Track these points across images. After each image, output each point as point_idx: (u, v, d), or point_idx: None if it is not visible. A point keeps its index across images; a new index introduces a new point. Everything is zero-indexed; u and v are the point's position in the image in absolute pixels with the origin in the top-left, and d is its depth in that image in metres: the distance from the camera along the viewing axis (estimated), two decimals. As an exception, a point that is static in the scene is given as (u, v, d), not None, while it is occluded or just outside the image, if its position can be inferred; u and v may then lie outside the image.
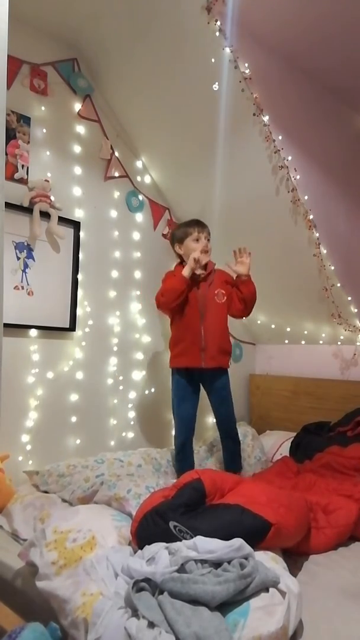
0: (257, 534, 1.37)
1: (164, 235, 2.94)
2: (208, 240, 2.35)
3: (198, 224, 2.35)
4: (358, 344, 2.97)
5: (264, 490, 1.62)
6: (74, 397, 2.42)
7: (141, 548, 1.36)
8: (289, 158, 2.41)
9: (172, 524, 1.38)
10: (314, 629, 1.21)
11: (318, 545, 1.64)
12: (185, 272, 2.24)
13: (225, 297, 2.35)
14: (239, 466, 2.42)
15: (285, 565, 1.37)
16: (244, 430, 2.89)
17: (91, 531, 1.42)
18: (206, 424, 3.05)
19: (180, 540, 1.33)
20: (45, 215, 2.26)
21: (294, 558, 1.57)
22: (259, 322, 3.40)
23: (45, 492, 1.97)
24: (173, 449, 2.43)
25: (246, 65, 2.18)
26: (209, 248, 2.34)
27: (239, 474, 2.30)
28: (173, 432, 2.94)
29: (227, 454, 2.41)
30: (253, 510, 1.42)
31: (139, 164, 2.81)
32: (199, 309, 2.29)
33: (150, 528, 1.41)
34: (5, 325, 2.07)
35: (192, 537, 1.32)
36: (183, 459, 2.29)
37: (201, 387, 2.39)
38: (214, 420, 2.47)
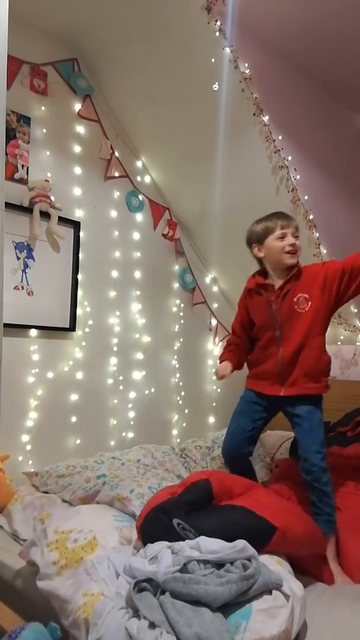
0: (261, 537, 1.35)
1: (164, 235, 2.94)
2: (296, 237, 1.84)
3: (282, 217, 1.85)
4: (358, 344, 2.97)
5: (274, 498, 1.59)
6: (74, 397, 2.42)
7: (145, 544, 1.36)
8: (289, 158, 2.41)
9: (175, 521, 1.38)
10: (317, 633, 1.19)
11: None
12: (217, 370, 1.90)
13: (310, 303, 1.80)
14: (327, 526, 1.67)
15: (290, 569, 1.35)
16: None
17: (92, 531, 1.41)
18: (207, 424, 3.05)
19: (184, 539, 1.32)
20: (45, 215, 2.26)
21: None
22: (258, 322, 3.39)
23: (45, 492, 1.97)
24: (170, 446, 2.41)
25: (246, 65, 2.18)
26: (297, 248, 1.83)
27: (330, 536, 1.67)
28: (174, 432, 2.95)
29: (310, 504, 1.76)
30: (257, 513, 1.41)
31: (139, 164, 2.81)
32: (274, 328, 1.85)
33: (154, 524, 1.41)
34: (5, 325, 2.06)
35: (195, 536, 1.31)
36: (235, 472, 1.89)
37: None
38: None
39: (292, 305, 1.82)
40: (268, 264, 1.89)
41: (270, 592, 1.15)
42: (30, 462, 2.21)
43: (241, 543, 1.24)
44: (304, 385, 1.82)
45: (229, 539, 1.28)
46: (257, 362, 1.96)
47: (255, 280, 1.92)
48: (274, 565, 1.29)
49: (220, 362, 2.00)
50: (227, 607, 1.11)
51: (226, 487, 1.59)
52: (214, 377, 2.01)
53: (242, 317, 1.99)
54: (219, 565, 1.20)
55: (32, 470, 2.12)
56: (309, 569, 1.53)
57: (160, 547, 1.29)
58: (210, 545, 1.24)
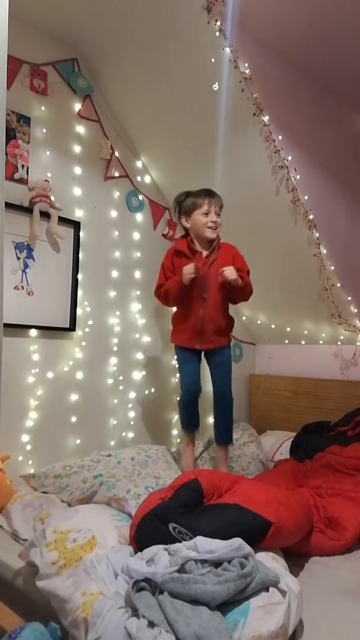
0: (257, 534, 1.37)
1: (164, 235, 2.95)
2: (219, 214, 2.16)
3: (209, 194, 2.15)
4: (358, 344, 2.97)
5: (262, 490, 1.61)
6: (74, 397, 2.42)
7: (141, 552, 1.36)
8: (289, 158, 2.41)
9: (171, 525, 1.38)
10: (313, 628, 1.21)
11: (322, 550, 1.63)
12: (184, 280, 2.09)
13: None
14: (229, 438, 2.29)
15: (285, 564, 1.37)
16: (244, 428, 2.89)
17: (91, 531, 1.41)
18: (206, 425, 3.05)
19: (180, 542, 1.32)
20: (45, 215, 2.26)
21: (295, 558, 1.56)
22: (259, 322, 3.40)
23: (44, 492, 1.97)
24: (166, 447, 2.42)
25: (246, 65, 2.18)
26: (218, 224, 2.16)
27: (229, 446, 2.29)
28: (174, 432, 2.95)
29: (218, 425, 2.27)
30: (252, 510, 1.42)
31: (139, 164, 2.82)
32: (199, 290, 2.14)
33: (149, 531, 1.40)
34: (5, 325, 2.07)
35: (191, 538, 1.31)
36: (191, 414, 2.23)
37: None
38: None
39: (216, 275, 2.11)
40: (193, 234, 2.18)
41: (267, 589, 1.15)
42: (30, 462, 2.21)
43: (237, 541, 1.25)
44: (217, 340, 2.20)
45: (226, 538, 1.28)
46: (181, 319, 2.24)
47: (187, 244, 2.18)
48: (270, 562, 1.29)
49: (175, 286, 2.14)
50: (225, 605, 1.12)
51: (215, 484, 1.60)
52: (188, 275, 2.09)
53: (168, 275, 2.22)
54: (216, 564, 1.20)
55: (30, 472, 2.11)
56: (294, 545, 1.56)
57: (157, 550, 1.29)
58: (207, 545, 1.24)
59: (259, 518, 1.39)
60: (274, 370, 3.43)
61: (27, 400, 2.23)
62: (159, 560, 1.24)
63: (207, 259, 2.16)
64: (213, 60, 2.15)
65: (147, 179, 2.86)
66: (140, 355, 2.78)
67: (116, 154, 2.66)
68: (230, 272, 2.05)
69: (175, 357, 2.35)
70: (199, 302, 2.15)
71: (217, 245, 2.19)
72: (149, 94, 2.46)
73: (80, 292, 2.45)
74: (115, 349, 2.64)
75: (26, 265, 2.23)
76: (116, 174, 2.67)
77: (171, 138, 2.63)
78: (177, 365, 2.37)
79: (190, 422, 2.27)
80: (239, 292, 2.17)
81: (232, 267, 2.08)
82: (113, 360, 2.63)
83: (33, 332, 2.26)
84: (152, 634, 1.02)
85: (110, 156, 2.63)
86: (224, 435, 2.28)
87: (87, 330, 2.50)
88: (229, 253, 2.19)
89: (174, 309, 2.34)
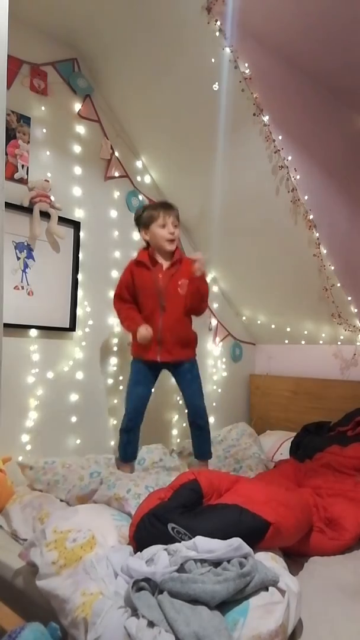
0: (256, 534, 1.37)
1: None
2: (176, 226, 2.19)
3: (164, 207, 2.19)
4: (358, 344, 2.97)
5: (262, 489, 1.61)
6: (74, 397, 2.42)
7: (140, 552, 1.36)
8: (289, 158, 2.41)
9: (170, 526, 1.38)
10: (313, 628, 1.21)
11: (322, 550, 1.63)
12: (138, 338, 2.12)
13: (186, 289, 2.18)
14: (207, 454, 2.31)
15: (285, 564, 1.37)
16: (244, 429, 2.89)
17: (91, 531, 1.42)
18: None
19: (179, 542, 1.32)
20: (45, 215, 2.26)
21: (294, 557, 1.56)
22: (259, 322, 3.40)
23: (40, 490, 1.96)
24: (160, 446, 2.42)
25: (246, 65, 2.18)
26: (176, 235, 2.18)
27: (206, 462, 2.32)
28: (174, 432, 2.95)
29: (195, 441, 2.31)
30: (251, 510, 1.42)
31: (139, 164, 2.82)
32: (158, 299, 2.17)
33: (148, 531, 1.41)
34: (5, 325, 2.07)
35: (190, 538, 1.31)
36: (127, 442, 2.17)
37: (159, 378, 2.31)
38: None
39: (176, 287, 2.17)
40: (153, 246, 2.22)
41: (266, 589, 1.15)
42: (20, 458, 2.20)
43: (237, 541, 1.25)
44: (178, 352, 2.21)
45: (225, 538, 1.29)
46: None
47: (148, 255, 2.22)
48: (269, 562, 1.30)
49: (135, 328, 2.15)
50: (224, 605, 1.12)
51: (214, 484, 1.60)
52: (144, 341, 2.13)
53: (129, 285, 2.24)
54: (215, 564, 1.21)
55: (27, 464, 2.10)
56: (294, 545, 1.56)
57: (157, 550, 1.29)
58: (207, 545, 1.24)
59: (258, 518, 1.39)
60: (274, 370, 3.43)
61: (27, 400, 2.23)
62: (159, 560, 1.24)
63: (167, 271, 2.20)
64: (213, 60, 2.15)
65: (147, 179, 2.86)
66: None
67: (116, 154, 2.66)
68: (199, 265, 2.09)
69: (130, 374, 2.27)
70: (158, 313, 2.18)
71: (179, 259, 2.23)
72: (149, 94, 2.46)
73: (80, 292, 2.46)
74: (115, 349, 2.64)
75: (26, 265, 2.23)
76: (116, 174, 2.67)
77: (171, 138, 2.63)
78: (128, 383, 2.29)
79: (128, 455, 2.19)
80: (195, 300, 2.17)
81: (186, 280, 2.15)
82: (113, 360, 2.63)
83: (33, 332, 2.26)
84: (152, 634, 1.02)
85: (110, 156, 2.63)
86: (202, 451, 2.31)
87: (87, 330, 2.50)
88: (189, 266, 2.17)
89: None
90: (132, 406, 2.21)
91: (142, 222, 2.22)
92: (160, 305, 2.17)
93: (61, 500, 1.85)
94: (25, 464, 2.04)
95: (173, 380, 2.94)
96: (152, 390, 2.30)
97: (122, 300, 2.27)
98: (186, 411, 2.31)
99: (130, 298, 2.25)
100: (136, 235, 2.78)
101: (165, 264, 2.21)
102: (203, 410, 2.28)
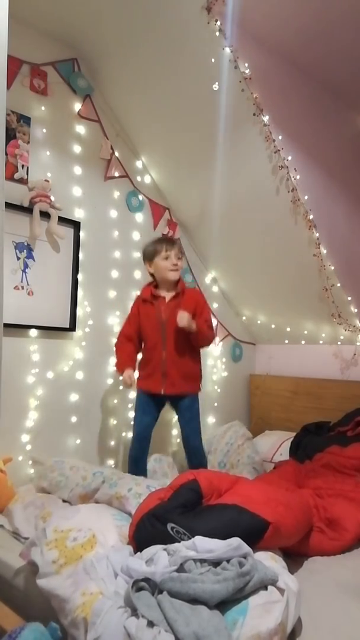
0: (256, 533, 1.37)
1: (164, 235, 2.94)
2: (179, 258, 2.29)
3: (167, 242, 2.30)
4: (358, 344, 2.97)
5: (261, 489, 1.62)
6: (74, 397, 2.42)
7: (140, 552, 1.36)
8: (289, 158, 2.41)
9: (169, 525, 1.38)
10: (313, 627, 1.21)
11: (322, 550, 1.63)
12: (123, 384, 2.26)
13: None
14: None
15: (284, 564, 1.37)
16: (236, 430, 2.88)
17: (91, 530, 1.42)
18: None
19: (179, 542, 1.33)
20: (45, 215, 2.26)
21: (294, 557, 1.56)
22: (259, 322, 3.40)
23: (43, 489, 1.97)
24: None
25: (246, 65, 2.18)
26: (180, 267, 2.29)
27: None
28: (174, 432, 2.95)
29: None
30: (251, 510, 1.42)
31: (139, 164, 2.82)
32: (161, 333, 2.24)
33: (148, 531, 1.41)
34: (5, 325, 2.07)
35: (190, 538, 1.32)
36: (136, 468, 2.24)
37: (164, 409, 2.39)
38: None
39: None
40: (157, 278, 2.31)
41: (265, 588, 1.16)
42: (30, 462, 2.21)
43: (236, 541, 1.25)
44: (183, 385, 2.26)
45: (224, 538, 1.29)
46: (145, 364, 2.33)
47: (150, 291, 2.31)
48: (268, 561, 1.30)
49: (121, 370, 2.28)
50: (224, 604, 1.12)
51: (214, 484, 1.60)
52: (124, 386, 2.32)
53: (136, 323, 2.33)
54: (215, 563, 1.21)
55: (40, 461, 2.12)
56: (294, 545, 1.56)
57: (156, 550, 1.29)
58: (206, 545, 1.25)
59: (257, 518, 1.39)
60: (274, 370, 3.43)
61: (27, 400, 2.23)
62: (159, 560, 1.24)
63: (169, 303, 2.27)
64: (213, 60, 2.15)
65: (147, 179, 2.86)
66: (140, 355, 2.77)
67: (116, 154, 2.66)
68: (182, 319, 2.13)
69: (135, 404, 2.36)
70: (161, 346, 2.25)
71: (182, 290, 2.31)
72: (149, 94, 2.46)
73: (80, 292, 2.46)
74: (115, 349, 2.63)
75: (26, 265, 2.23)
76: (116, 174, 2.67)
77: (171, 138, 2.63)
78: (134, 413, 2.36)
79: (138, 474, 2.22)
80: (194, 337, 2.23)
81: (185, 313, 2.15)
82: (113, 360, 2.62)
83: (33, 332, 2.26)
84: (152, 634, 1.02)
85: (110, 156, 2.63)
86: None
87: (87, 330, 2.50)
88: (192, 298, 2.30)
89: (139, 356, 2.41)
90: (139, 440, 2.28)
91: (147, 256, 2.32)
92: (163, 338, 2.24)
93: (64, 501, 1.86)
94: (36, 459, 2.07)
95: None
96: (156, 421, 2.36)
97: (125, 337, 2.35)
98: (183, 444, 2.36)
99: (135, 335, 2.34)
100: (136, 235, 2.78)
101: (167, 296, 2.29)
102: (199, 451, 2.34)
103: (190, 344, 2.26)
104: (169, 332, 2.23)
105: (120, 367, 2.28)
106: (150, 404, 2.30)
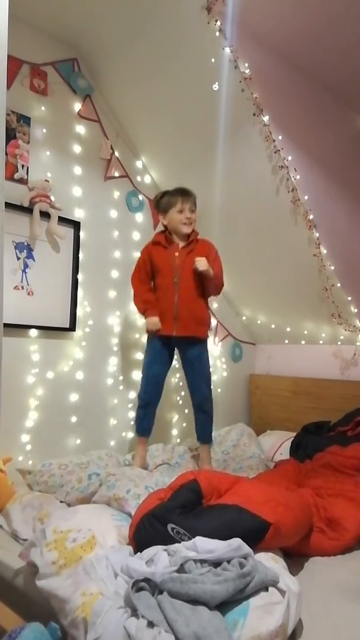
0: (256, 534, 1.36)
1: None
2: (193, 211, 2.30)
3: (183, 194, 2.29)
4: (358, 344, 2.97)
5: (261, 490, 1.61)
6: (74, 397, 2.42)
7: (140, 552, 1.36)
8: (289, 158, 2.41)
9: (170, 526, 1.38)
10: (313, 628, 1.21)
11: (322, 550, 1.63)
12: (147, 326, 2.27)
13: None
14: (209, 438, 2.40)
15: (285, 564, 1.37)
16: (242, 428, 2.89)
17: (91, 531, 1.41)
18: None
19: (179, 542, 1.32)
20: (45, 215, 2.26)
21: (295, 557, 1.56)
22: (259, 322, 3.40)
23: (40, 492, 1.96)
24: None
25: (246, 65, 2.18)
26: (193, 220, 2.30)
27: (209, 445, 2.41)
28: (174, 432, 2.95)
29: (198, 425, 2.39)
30: (251, 510, 1.41)
31: (139, 164, 2.81)
32: (174, 276, 2.26)
33: (148, 532, 1.41)
34: (5, 325, 2.07)
35: (190, 539, 1.31)
36: (144, 417, 2.31)
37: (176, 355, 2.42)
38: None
39: (191, 265, 2.23)
40: (170, 230, 2.32)
41: (266, 589, 1.15)
42: (30, 462, 2.21)
43: (236, 542, 1.25)
44: (194, 328, 2.28)
45: (225, 539, 1.28)
46: (156, 306, 2.31)
47: (165, 236, 2.33)
48: (269, 562, 1.29)
49: (147, 317, 2.28)
50: (224, 605, 1.12)
51: (214, 484, 1.60)
52: (150, 329, 2.28)
53: (146, 265, 2.34)
54: (215, 564, 1.20)
55: (28, 468, 2.10)
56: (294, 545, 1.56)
57: (156, 550, 1.29)
58: (207, 545, 1.24)
59: (258, 518, 1.39)
60: (274, 370, 3.43)
61: (27, 400, 2.23)
62: (159, 560, 1.24)
63: (183, 249, 2.30)
64: (213, 60, 2.14)
65: (147, 179, 2.86)
66: (140, 355, 2.78)
67: (116, 154, 2.66)
68: (201, 263, 2.19)
69: (145, 351, 2.38)
70: (173, 289, 2.26)
71: (195, 239, 2.34)
72: (149, 94, 2.46)
73: (80, 292, 2.46)
74: (115, 349, 2.64)
75: (26, 265, 2.23)
76: (116, 174, 2.67)
77: (171, 138, 2.63)
78: (143, 360, 2.39)
79: (142, 428, 2.33)
80: (209, 283, 2.29)
81: (204, 258, 2.22)
82: (113, 360, 2.63)
83: (33, 332, 2.26)
84: (152, 634, 1.02)
85: (110, 156, 2.63)
86: (204, 435, 2.39)
87: (87, 330, 2.50)
88: (205, 247, 2.33)
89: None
90: (147, 384, 2.32)
91: (161, 207, 2.33)
92: (176, 282, 2.25)
93: (61, 502, 1.85)
94: (24, 469, 2.03)
95: (173, 380, 2.95)
96: (168, 369, 2.38)
97: (140, 280, 2.35)
98: (191, 395, 2.38)
99: (147, 278, 2.35)
100: (136, 235, 2.78)
101: (181, 243, 2.31)
102: (209, 397, 2.36)
103: (201, 289, 2.29)
104: (182, 276, 2.24)
105: (144, 311, 2.28)
106: (161, 352, 2.31)
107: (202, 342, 2.34)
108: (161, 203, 2.33)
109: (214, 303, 3.22)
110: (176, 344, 2.34)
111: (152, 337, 2.32)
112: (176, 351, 2.39)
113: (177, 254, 2.28)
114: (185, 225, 2.28)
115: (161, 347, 2.31)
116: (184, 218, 2.27)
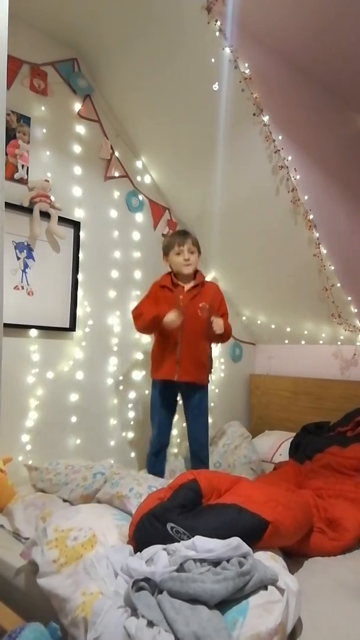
0: (255, 533, 1.37)
1: (164, 235, 2.94)
2: (192, 252, 2.33)
3: (180, 236, 2.35)
4: (358, 344, 2.97)
5: (261, 490, 1.62)
6: (74, 397, 2.42)
7: (140, 551, 1.36)
8: (289, 158, 2.41)
9: (169, 525, 1.38)
10: (313, 627, 1.21)
11: (323, 550, 1.63)
12: (165, 324, 2.19)
13: (207, 313, 2.28)
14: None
15: (284, 564, 1.38)
16: (234, 430, 2.88)
17: (92, 529, 1.42)
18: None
19: (178, 542, 1.33)
20: (45, 215, 2.26)
21: (295, 557, 1.56)
22: (259, 322, 3.40)
23: (42, 490, 1.97)
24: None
25: (246, 65, 2.18)
26: (192, 261, 2.32)
27: None
28: (174, 432, 2.95)
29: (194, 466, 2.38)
30: (250, 509, 1.42)
31: (139, 164, 2.82)
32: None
33: (148, 531, 1.41)
34: (5, 325, 2.07)
35: (189, 538, 1.32)
36: (156, 463, 2.34)
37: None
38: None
39: (196, 308, 2.27)
40: (174, 271, 2.38)
41: (265, 588, 1.16)
42: (30, 462, 2.20)
43: (236, 541, 1.25)
44: (196, 373, 2.29)
45: (224, 538, 1.29)
46: (159, 350, 2.34)
47: (170, 279, 2.36)
48: (268, 561, 1.30)
49: (161, 315, 2.20)
50: (224, 604, 1.12)
51: (213, 484, 1.61)
52: (173, 322, 2.18)
53: (152, 304, 2.31)
54: (215, 563, 1.21)
55: (34, 465, 2.11)
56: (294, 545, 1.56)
57: (156, 550, 1.29)
58: (206, 544, 1.25)
59: (257, 517, 1.39)
60: (274, 370, 3.43)
61: (27, 400, 2.23)
62: (158, 559, 1.24)
63: (188, 292, 2.32)
64: (213, 60, 2.14)
65: (147, 179, 2.86)
66: (140, 355, 2.78)
67: (116, 154, 2.66)
68: (218, 325, 2.22)
69: (151, 395, 2.43)
70: (177, 332, 2.25)
71: (201, 282, 2.37)
72: (149, 94, 2.46)
73: (80, 292, 2.46)
74: (115, 349, 2.64)
75: (26, 265, 2.23)
76: (116, 174, 2.67)
77: (171, 138, 2.63)
78: (150, 407, 2.43)
79: (158, 474, 2.29)
80: (217, 338, 2.32)
81: (220, 319, 2.25)
82: (113, 360, 2.63)
83: (33, 332, 2.26)
84: (151, 634, 1.02)
85: (110, 156, 2.63)
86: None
87: (87, 330, 2.50)
88: (210, 291, 2.37)
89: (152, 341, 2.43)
90: (160, 432, 2.36)
91: (164, 250, 2.41)
92: (180, 326, 2.23)
93: (64, 500, 1.85)
94: (32, 466, 2.05)
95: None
96: (175, 412, 2.43)
97: (148, 304, 2.34)
98: (189, 441, 2.40)
99: (155, 305, 2.33)
100: (136, 235, 2.79)
101: (186, 286, 2.35)
102: (206, 445, 2.40)
103: (205, 335, 2.29)
104: (186, 320, 2.24)
105: (157, 314, 2.21)
106: (166, 397, 2.35)
107: (203, 388, 2.37)
108: (163, 246, 2.41)
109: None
110: (178, 388, 2.37)
111: (155, 381, 2.37)
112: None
113: (182, 296, 2.30)
114: (185, 266, 2.31)
115: (165, 391, 2.35)
116: (182, 259, 2.31)
